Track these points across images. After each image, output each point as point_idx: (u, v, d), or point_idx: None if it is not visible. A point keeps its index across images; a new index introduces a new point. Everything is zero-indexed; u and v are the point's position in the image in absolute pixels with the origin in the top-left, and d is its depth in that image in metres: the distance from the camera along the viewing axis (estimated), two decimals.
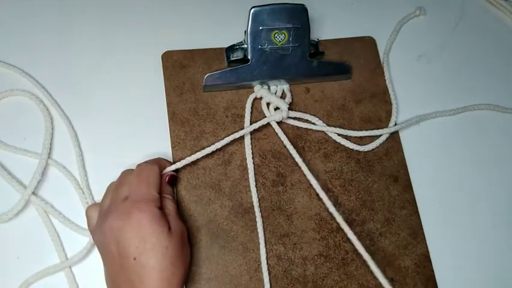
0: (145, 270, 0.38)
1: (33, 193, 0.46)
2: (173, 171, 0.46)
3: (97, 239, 0.41)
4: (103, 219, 0.40)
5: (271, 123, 0.51)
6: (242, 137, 0.50)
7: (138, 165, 0.44)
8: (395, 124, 0.53)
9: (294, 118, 0.52)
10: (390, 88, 0.55)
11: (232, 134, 0.48)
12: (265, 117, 0.51)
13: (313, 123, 0.52)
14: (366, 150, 0.52)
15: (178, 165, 0.46)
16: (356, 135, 0.52)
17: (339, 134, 0.52)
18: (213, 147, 0.47)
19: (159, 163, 0.45)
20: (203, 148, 0.47)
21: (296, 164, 0.50)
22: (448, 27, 0.60)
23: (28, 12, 0.53)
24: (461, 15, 0.61)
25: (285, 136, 0.50)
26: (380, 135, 0.52)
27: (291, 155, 0.50)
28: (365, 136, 0.52)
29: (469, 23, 0.61)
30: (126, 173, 0.44)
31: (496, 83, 0.58)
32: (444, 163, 0.54)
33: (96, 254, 0.46)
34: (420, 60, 0.58)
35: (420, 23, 0.60)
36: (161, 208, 0.41)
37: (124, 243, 0.39)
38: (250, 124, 0.50)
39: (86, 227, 0.46)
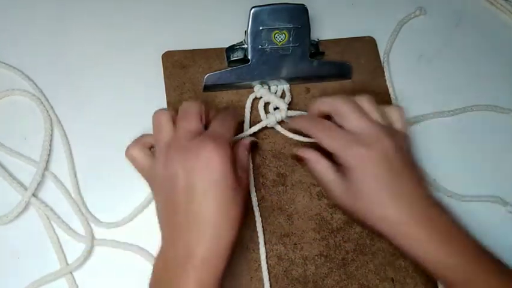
0: (209, 213, 0.38)
1: (33, 195, 0.46)
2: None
3: (158, 170, 0.40)
4: (172, 152, 0.39)
5: (271, 124, 0.51)
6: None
7: (222, 109, 0.45)
8: None
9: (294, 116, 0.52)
10: (390, 88, 0.55)
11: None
12: (266, 117, 0.51)
13: None
14: None
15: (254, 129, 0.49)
16: None
17: None
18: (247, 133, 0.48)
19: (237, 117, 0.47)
20: None
21: (296, 163, 0.50)
22: (448, 27, 0.60)
23: (27, 13, 0.53)
24: (461, 15, 0.61)
25: (288, 132, 0.50)
26: None
27: (291, 155, 0.50)
28: None
29: (469, 23, 0.61)
30: (190, 106, 0.42)
31: (496, 83, 0.58)
32: (445, 163, 0.54)
33: (96, 258, 0.46)
34: (420, 60, 0.58)
35: (421, 23, 0.60)
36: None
37: (191, 180, 0.38)
38: (250, 124, 0.50)
39: (83, 233, 0.46)
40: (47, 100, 0.50)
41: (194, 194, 0.38)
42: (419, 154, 0.53)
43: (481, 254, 0.41)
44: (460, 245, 0.41)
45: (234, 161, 0.41)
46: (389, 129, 0.44)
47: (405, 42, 0.58)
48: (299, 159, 0.49)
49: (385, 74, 0.56)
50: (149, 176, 0.43)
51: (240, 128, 0.50)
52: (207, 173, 0.38)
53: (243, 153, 0.44)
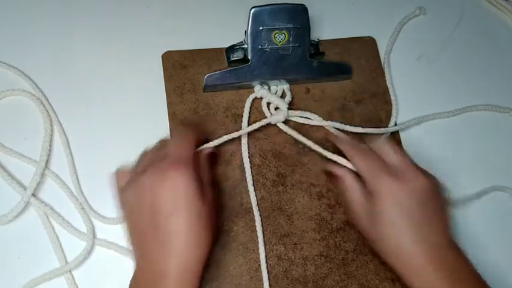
0: (177, 230, 0.38)
1: (33, 195, 0.46)
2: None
3: (126, 197, 0.41)
4: (138, 176, 0.40)
5: (274, 122, 0.51)
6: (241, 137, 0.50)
7: (176, 129, 0.45)
8: (395, 124, 0.53)
9: (294, 117, 0.52)
10: (390, 88, 0.55)
11: (229, 133, 0.48)
12: (266, 117, 0.51)
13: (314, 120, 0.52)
14: None
15: (216, 142, 0.47)
16: (355, 131, 0.51)
17: (339, 130, 0.52)
18: (210, 144, 0.47)
19: (196, 134, 0.46)
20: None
21: (296, 164, 0.50)
22: (448, 27, 0.60)
23: (28, 14, 0.53)
24: (461, 15, 0.61)
25: (292, 130, 0.50)
26: (380, 135, 0.52)
27: (291, 154, 0.50)
28: (365, 134, 0.52)
29: (469, 23, 0.61)
30: (164, 140, 0.45)
31: (496, 83, 0.58)
32: (445, 163, 0.54)
33: (95, 257, 0.46)
34: (420, 61, 0.58)
35: (421, 23, 0.60)
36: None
37: (158, 201, 0.39)
38: (250, 124, 0.50)
39: (85, 231, 0.46)
40: (47, 100, 0.50)
41: (161, 216, 0.39)
42: (419, 154, 0.53)
43: None
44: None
45: (199, 178, 0.41)
46: (425, 171, 0.44)
47: (405, 42, 0.58)
48: (331, 176, 0.49)
49: (385, 74, 0.56)
50: (120, 197, 0.43)
51: (240, 126, 0.50)
52: (171, 195, 0.39)
53: (203, 167, 0.44)
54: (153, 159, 0.42)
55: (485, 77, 0.58)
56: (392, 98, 0.54)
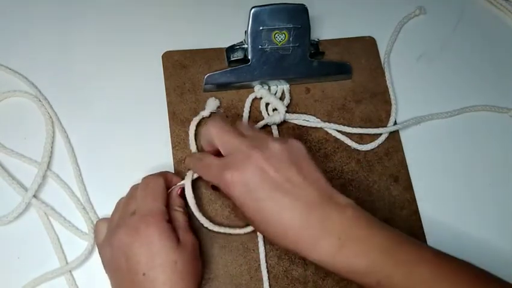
0: (154, 285, 0.38)
1: (34, 196, 0.46)
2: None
3: (105, 254, 0.41)
4: (112, 234, 0.40)
5: (271, 124, 0.51)
6: None
7: (143, 178, 0.43)
8: (395, 123, 0.53)
9: (292, 119, 0.52)
10: (390, 88, 0.55)
11: None
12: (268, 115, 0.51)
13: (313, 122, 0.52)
14: (366, 149, 0.52)
15: (187, 179, 0.44)
16: (354, 132, 0.52)
17: (338, 131, 0.52)
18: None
19: (165, 176, 0.44)
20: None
21: None
22: (448, 27, 0.60)
23: (28, 15, 0.53)
24: (461, 15, 0.61)
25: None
26: (380, 135, 0.52)
27: None
28: (364, 134, 0.52)
29: (468, 23, 0.61)
30: (134, 188, 0.44)
31: (496, 82, 0.58)
32: (445, 163, 0.54)
33: (96, 257, 0.45)
34: (420, 60, 0.58)
35: (421, 23, 0.60)
36: (170, 221, 0.41)
37: (132, 259, 0.38)
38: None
39: (86, 230, 0.46)
40: (48, 101, 0.50)
41: (138, 273, 0.38)
42: (419, 154, 0.53)
43: (402, 243, 0.37)
44: (371, 242, 0.37)
45: (172, 226, 0.40)
46: (257, 140, 0.40)
47: (405, 42, 0.58)
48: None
49: (385, 74, 0.56)
50: (99, 252, 0.43)
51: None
52: (145, 252, 0.38)
53: (176, 212, 0.43)
54: (124, 214, 0.41)
55: (485, 77, 0.58)
56: (392, 97, 0.54)
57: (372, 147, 0.52)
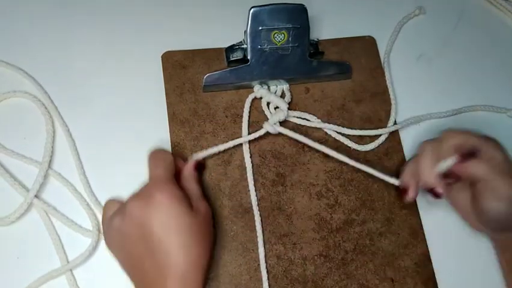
0: (169, 250, 0.38)
1: (35, 196, 0.46)
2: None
3: (114, 225, 0.41)
4: (124, 205, 0.40)
5: (272, 128, 0.51)
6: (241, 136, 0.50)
7: (151, 151, 0.44)
8: (394, 123, 0.53)
9: (294, 117, 0.52)
10: (390, 88, 0.55)
11: (233, 139, 0.49)
12: (265, 117, 0.51)
13: (313, 122, 0.52)
14: (366, 150, 0.52)
15: (205, 153, 0.47)
16: (353, 133, 0.52)
17: (338, 132, 0.52)
18: (215, 149, 0.48)
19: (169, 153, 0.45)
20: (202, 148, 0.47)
21: (296, 163, 0.50)
22: (448, 27, 0.60)
23: (28, 15, 0.54)
24: (461, 15, 0.61)
25: (292, 132, 0.50)
26: (380, 135, 0.52)
27: (291, 154, 0.50)
28: (364, 135, 0.52)
29: (468, 22, 0.61)
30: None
31: (496, 82, 0.58)
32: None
33: (99, 255, 0.46)
34: (420, 60, 0.58)
35: (420, 23, 0.60)
36: (183, 190, 0.42)
37: (147, 224, 0.39)
38: (249, 124, 0.50)
39: (90, 227, 0.46)
40: (48, 95, 0.50)
41: (153, 239, 0.38)
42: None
43: None
44: None
45: (185, 193, 0.41)
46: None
47: (405, 42, 0.58)
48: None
49: (385, 74, 0.55)
50: (106, 227, 0.43)
51: (240, 126, 0.50)
52: (159, 217, 0.39)
53: (189, 182, 0.44)
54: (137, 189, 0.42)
55: (484, 77, 0.58)
56: (392, 97, 0.54)
57: (372, 148, 0.52)
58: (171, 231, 0.39)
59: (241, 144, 0.50)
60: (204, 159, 0.49)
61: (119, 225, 0.40)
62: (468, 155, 0.44)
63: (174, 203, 0.39)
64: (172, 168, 0.43)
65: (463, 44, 0.59)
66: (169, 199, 0.39)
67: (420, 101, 0.56)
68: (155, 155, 0.43)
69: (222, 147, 0.48)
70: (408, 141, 0.53)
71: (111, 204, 0.43)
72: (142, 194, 0.40)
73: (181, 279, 0.38)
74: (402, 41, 0.58)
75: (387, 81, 0.55)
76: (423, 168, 0.45)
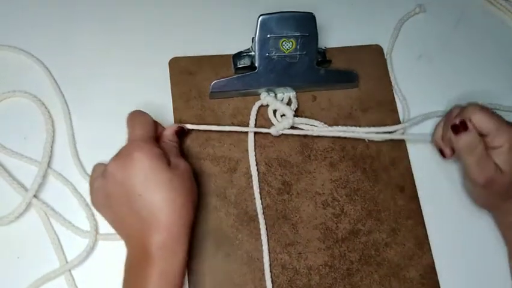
0: (153, 204, 0.39)
1: (34, 196, 0.46)
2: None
3: (98, 185, 0.42)
4: (106, 166, 0.41)
5: (276, 132, 0.50)
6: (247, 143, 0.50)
7: (130, 113, 0.45)
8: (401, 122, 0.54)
9: (300, 124, 0.51)
10: (397, 96, 0.55)
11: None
12: (272, 124, 0.51)
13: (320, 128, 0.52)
14: (378, 139, 0.52)
15: (188, 126, 0.49)
16: (361, 131, 0.51)
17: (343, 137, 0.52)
18: (214, 127, 0.49)
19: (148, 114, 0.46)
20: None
21: (302, 172, 0.50)
22: (448, 27, 0.60)
23: (29, 16, 0.53)
24: (461, 15, 0.61)
25: (297, 130, 0.50)
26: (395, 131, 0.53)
27: (297, 162, 0.50)
28: (379, 132, 0.52)
29: (468, 22, 0.61)
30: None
31: (496, 82, 0.58)
32: (451, 173, 0.53)
33: (97, 255, 0.46)
34: (420, 60, 0.58)
35: (421, 23, 0.60)
36: (162, 149, 0.42)
37: (127, 182, 0.40)
38: (256, 132, 0.50)
39: (88, 227, 0.46)
40: (64, 98, 0.50)
41: (135, 195, 0.39)
42: (425, 164, 0.53)
43: None
44: None
45: (164, 151, 0.42)
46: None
47: (405, 41, 0.58)
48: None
49: (390, 74, 0.56)
50: (91, 187, 0.43)
51: (245, 133, 0.50)
52: (139, 173, 0.40)
53: (168, 142, 0.46)
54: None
55: (485, 76, 0.58)
56: (400, 98, 0.55)
57: (384, 138, 0.52)
58: (151, 186, 0.39)
59: (247, 152, 0.50)
60: (189, 129, 0.49)
61: (103, 186, 0.41)
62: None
63: (152, 160, 0.40)
64: (150, 129, 0.44)
65: (463, 43, 0.59)
66: (147, 156, 0.40)
67: (420, 101, 0.55)
68: (134, 116, 0.44)
69: (218, 128, 0.49)
70: (415, 150, 0.53)
71: (98, 167, 0.44)
72: (121, 154, 0.41)
73: (166, 232, 0.39)
74: (402, 41, 0.58)
75: (393, 82, 0.55)
76: (437, 129, 0.50)
